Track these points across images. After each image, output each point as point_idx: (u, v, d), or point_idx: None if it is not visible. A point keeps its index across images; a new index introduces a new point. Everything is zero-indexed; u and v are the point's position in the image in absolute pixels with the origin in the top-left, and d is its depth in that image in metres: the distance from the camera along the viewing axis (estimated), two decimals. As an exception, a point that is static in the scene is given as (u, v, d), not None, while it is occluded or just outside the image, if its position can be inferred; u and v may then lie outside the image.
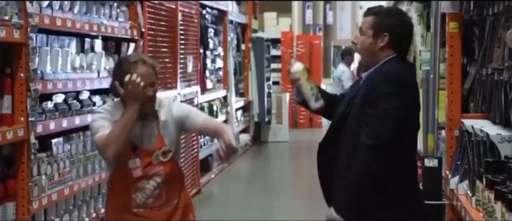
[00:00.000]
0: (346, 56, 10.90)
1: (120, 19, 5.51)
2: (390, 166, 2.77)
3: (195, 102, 8.29)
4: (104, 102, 5.19)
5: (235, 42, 11.43)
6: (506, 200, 2.39)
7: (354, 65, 11.14)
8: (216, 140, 3.17)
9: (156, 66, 3.15)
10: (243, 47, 11.96)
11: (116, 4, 5.42)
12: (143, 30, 6.09)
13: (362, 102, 2.74)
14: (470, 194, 3.16)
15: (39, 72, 4.08)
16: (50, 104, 4.32)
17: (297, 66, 3.02)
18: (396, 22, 2.80)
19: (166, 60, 7.05)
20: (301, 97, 3.03)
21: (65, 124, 4.44)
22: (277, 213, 7.53)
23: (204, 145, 8.97)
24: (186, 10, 7.84)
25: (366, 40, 2.80)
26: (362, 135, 2.71)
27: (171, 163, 3.15)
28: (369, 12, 2.83)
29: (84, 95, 4.87)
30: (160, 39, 6.83)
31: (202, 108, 8.80)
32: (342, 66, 10.70)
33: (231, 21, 10.77)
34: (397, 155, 2.78)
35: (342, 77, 10.41)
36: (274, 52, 15.57)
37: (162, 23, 6.84)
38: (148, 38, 6.30)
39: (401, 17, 2.86)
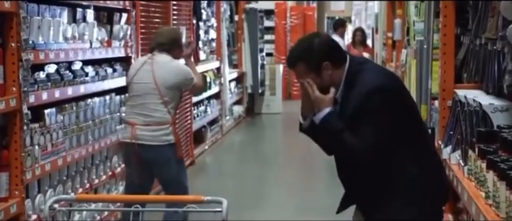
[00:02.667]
0: (338, 27, 10.87)
1: (112, -11, 5.47)
2: (393, 168, 2.75)
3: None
4: (97, 73, 5.18)
5: (229, 13, 11.38)
6: (498, 170, 2.40)
7: (347, 36, 11.12)
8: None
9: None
10: (236, 18, 11.91)
11: (107, -26, 5.38)
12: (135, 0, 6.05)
13: (353, 119, 2.71)
14: (463, 164, 3.17)
15: (30, 42, 4.05)
16: (42, 75, 4.30)
17: None
18: (317, 47, 2.75)
19: (159, 31, 7.01)
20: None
21: (57, 94, 4.42)
22: (270, 183, 7.57)
23: (198, 116, 8.98)
24: (179, -20, 7.78)
25: (317, 79, 2.76)
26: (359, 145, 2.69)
27: None
28: (292, 64, 2.80)
29: (77, 66, 4.85)
30: (152, 9, 6.78)
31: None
32: (335, 37, 10.68)
33: (224, -8, 10.71)
34: (399, 156, 2.74)
35: None
36: (267, 23, 15.51)
37: (155, -7, 6.80)
38: (141, 8, 6.26)
39: (315, 39, 2.80)
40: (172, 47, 4.57)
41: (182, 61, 4.81)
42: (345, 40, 10.62)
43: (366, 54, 10.59)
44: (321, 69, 2.73)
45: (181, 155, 4.68)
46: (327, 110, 2.72)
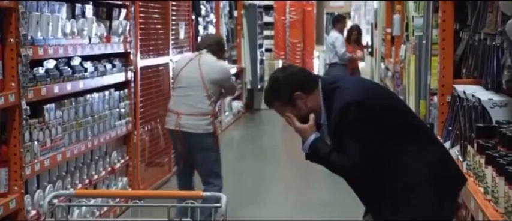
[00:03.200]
0: (337, 23, 10.84)
1: (111, -16, 5.47)
2: (392, 170, 2.76)
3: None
4: (96, 69, 5.18)
5: (228, 8, 11.37)
6: (497, 165, 2.40)
7: (352, 37, 11.08)
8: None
9: None
10: (235, 13, 11.90)
11: (106, -31, 5.37)
12: (134, -5, 6.05)
13: (337, 138, 2.79)
14: (462, 159, 3.18)
15: (29, 37, 4.04)
16: (41, 70, 4.29)
17: None
18: (283, 82, 2.86)
19: (158, 26, 7.00)
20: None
21: (56, 89, 4.42)
22: (269, 179, 7.57)
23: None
24: (178, -24, 7.77)
25: (295, 111, 2.86)
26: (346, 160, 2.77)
27: None
28: (268, 105, 2.96)
29: (76, 61, 4.85)
30: (152, 5, 6.78)
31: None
32: (334, 33, 10.66)
33: (223, -12, 10.70)
34: (396, 158, 2.76)
35: (335, 43, 10.35)
36: (266, 19, 15.49)
37: (154, -12, 6.79)
38: (140, 3, 6.25)
39: (280, 75, 2.90)
40: (218, 49, 5.18)
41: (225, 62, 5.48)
42: (344, 35, 10.60)
43: (359, 53, 10.59)
44: (294, 100, 2.83)
45: (218, 145, 5.20)
46: (311, 138, 2.82)
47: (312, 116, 2.83)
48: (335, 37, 10.26)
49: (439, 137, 3.85)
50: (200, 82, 5.00)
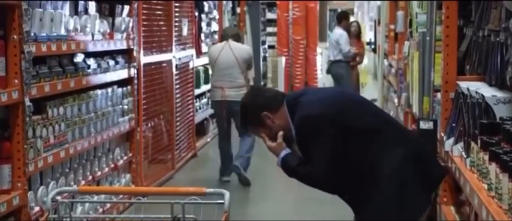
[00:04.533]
0: (342, 20, 10.80)
1: (114, -19, 5.47)
2: (357, 171, 2.91)
3: (191, 66, 8.27)
4: (99, 66, 5.18)
5: (231, 5, 11.36)
6: (501, 162, 2.39)
7: (352, 28, 11.04)
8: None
9: None
10: (238, 10, 11.89)
11: (109, -34, 5.37)
12: (137, -8, 6.05)
13: (302, 150, 3.00)
14: (465, 156, 3.17)
15: (32, 34, 4.04)
16: (44, 67, 4.30)
17: None
18: (249, 107, 3.08)
19: (161, 23, 7.00)
20: None
21: (59, 86, 4.42)
22: (271, 175, 7.56)
23: (200, 109, 8.97)
24: (181, -28, 7.77)
25: (267, 130, 3.04)
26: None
27: None
28: (245, 127, 3.26)
29: (79, 58, 4.85)
30: (155, 1, 6.78)
31: (197, 72, 8.77)
32: (339, 30, 10.63)
33: (226, -16, 10.69)
34: (358, 159, 2.90)
35: (340, 40, 10.31)
36: (269, 16, 15.48)
37: (157, -15, 6.80)
38: (143, 0, 6.24)
39: (245, 102, 3.14)
40: (238, 38, 7.00)
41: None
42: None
43: (353, 49, 10.56)
44: (263, 121, 3.02)
45: None
46: (281, 154, 3.01)
47: (280, 133, 3.00)
48: (339, 34, 10.21)
49: (442, 134, 3.84)
50: (235, 62, 6.71)
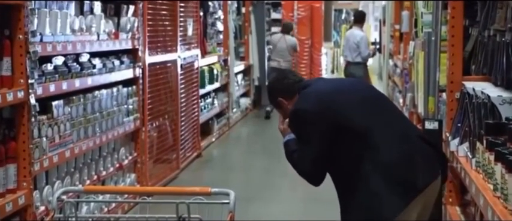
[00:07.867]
0: (362, 20, 10.36)
1: (119, -19, 5.47)
2: (345, 170, 2.95)
3: (196, 66, 8.28)
4: (104, 65, 5.19)
5: (236, 5, 11.36)
6: (506, 162, 2.39)
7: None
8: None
9: None
10: (243, 10, 11.89)
11: (115, -34, 5.38)
12: (143, -8, 6.05)
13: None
14: (471, 156, 3.16)
15: (38, 34, 4.05)
16: (49, 67, 4.30)
17: None
18: (271, 88, 3.28)
19: (166, 23, 7.01)
20: None
21: (65, 86, 4.43)
22: (276, 175, 7.57)
23: (205, 108, 8.98)
24: (186, -28, 7.77)
25: (282, 113, 3.23)
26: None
27: None
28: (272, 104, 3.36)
29: (84, 58, 4.86)
30: (160, 1, 6.78)
31: (202, 72, 8.78)
32: (359, 32, 10.16)
33: (231, -16, 10.70)
34: (345, 159, 2.93)
35: (360, 43, 9.84)
36: (274, 16, 15.48)
37: (162, -15, 6.80)
38: (148, 0, 6.25)
39: (271, 81, 3.37)
40: (289, 30, 11.61)
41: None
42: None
43: (371, 52, 10.57)
44: (280, 104, 3.21)
45: None
46: (285, 138, 3.19)
47: (286, 121, 3.16)
48: (360, 36, 9.78)
49: (447, 134, 3.84)
50: (286, 49, 11.18)
